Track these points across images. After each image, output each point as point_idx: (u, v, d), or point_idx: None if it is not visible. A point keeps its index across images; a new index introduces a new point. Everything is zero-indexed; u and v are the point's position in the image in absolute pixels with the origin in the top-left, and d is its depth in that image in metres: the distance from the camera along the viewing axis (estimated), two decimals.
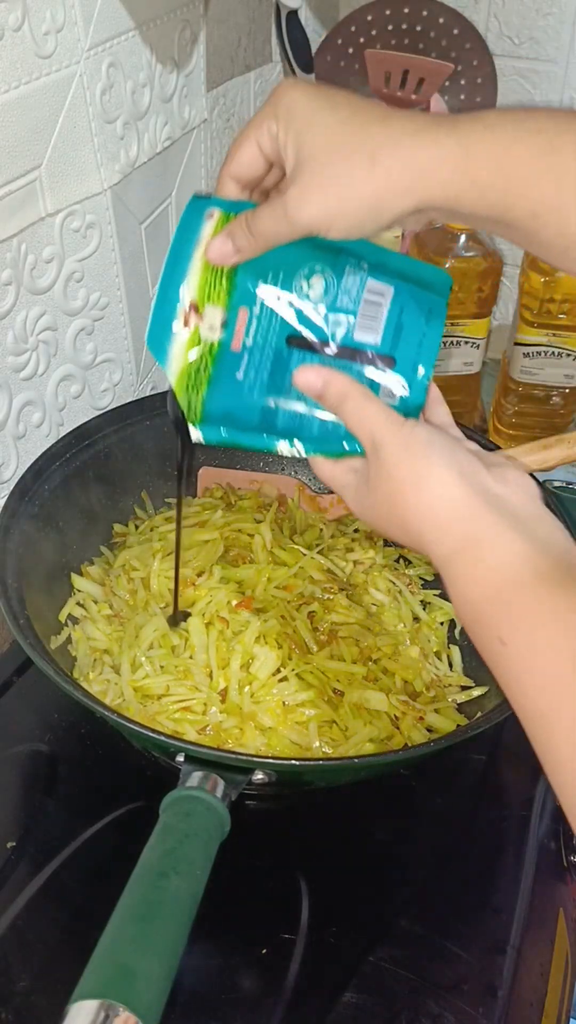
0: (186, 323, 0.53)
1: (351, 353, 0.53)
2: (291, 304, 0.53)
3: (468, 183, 0.46)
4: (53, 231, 0.76)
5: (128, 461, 0.84)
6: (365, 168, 0.46)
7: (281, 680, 0.71)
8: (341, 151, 0.46)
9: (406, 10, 1.14)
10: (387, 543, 0.86)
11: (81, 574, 0.79)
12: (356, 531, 0.88)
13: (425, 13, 1.14)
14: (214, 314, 0.53)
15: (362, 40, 1.17)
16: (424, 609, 0.82)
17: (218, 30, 0.94)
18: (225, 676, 0.71)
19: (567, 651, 0.39)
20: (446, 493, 0.46)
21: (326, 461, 0.53)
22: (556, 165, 0.45)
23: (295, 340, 0.53)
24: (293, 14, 1.05)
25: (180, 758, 0.55)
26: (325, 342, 0.53)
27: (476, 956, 0.59)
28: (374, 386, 0.53)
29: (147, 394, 0.91)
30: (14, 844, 0.65)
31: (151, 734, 0.57)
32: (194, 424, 0.55)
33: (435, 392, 0.54)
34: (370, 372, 0.53)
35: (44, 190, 0.73)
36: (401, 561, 0.86)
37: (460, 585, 0.45)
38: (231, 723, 0.68)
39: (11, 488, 0.73)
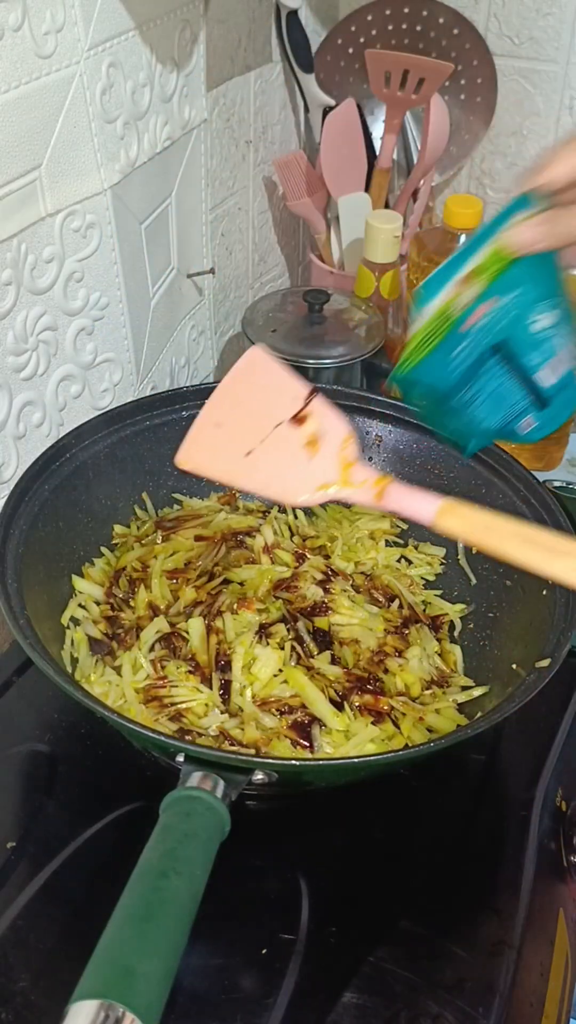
0: (454, 289, 0.55)
1: (526, 381, 0.57)
2: (520, 319, 0.55)
3: None
4: (53, 231, 0.76)
5: (128, 461, 0.84)
6: None
7: (283, 681, 0.71)
8: None
9: (406, 10, 1.15)
10: (387, 543, 0.86)
11: (82, 575, 0.79)
12: None
13: (425, 13, 1.14)
14: (471, 291, 0.55)
15: (362, 40, 1.18)
16: (424, 610, 0.82)
17: (218, 30, 0.94)
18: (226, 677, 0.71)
19: None
20: None
21: None
22: None
23: (499, 348, 0.56)
24: (293, 14, 1.06)
25: (180, 758, 0.55)
26: (514, 363, 0.56)
27: (476, 956, 0.59)
28: (524, 412, 0.58)
29: (147, 394, 0.91)
30: (14, 844, 0.65)
31: (151, 734, 0.57)
32: (396, 375, 0.57)
33: None
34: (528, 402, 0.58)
35: (44, 190, 0.73)
36: (402, 561, 0.86)
37: None
38: (232, 723, 0.68)
39: (11, 488, 0.73)
